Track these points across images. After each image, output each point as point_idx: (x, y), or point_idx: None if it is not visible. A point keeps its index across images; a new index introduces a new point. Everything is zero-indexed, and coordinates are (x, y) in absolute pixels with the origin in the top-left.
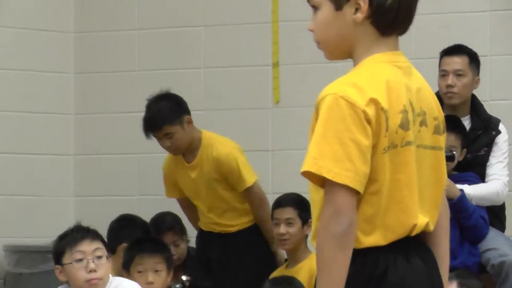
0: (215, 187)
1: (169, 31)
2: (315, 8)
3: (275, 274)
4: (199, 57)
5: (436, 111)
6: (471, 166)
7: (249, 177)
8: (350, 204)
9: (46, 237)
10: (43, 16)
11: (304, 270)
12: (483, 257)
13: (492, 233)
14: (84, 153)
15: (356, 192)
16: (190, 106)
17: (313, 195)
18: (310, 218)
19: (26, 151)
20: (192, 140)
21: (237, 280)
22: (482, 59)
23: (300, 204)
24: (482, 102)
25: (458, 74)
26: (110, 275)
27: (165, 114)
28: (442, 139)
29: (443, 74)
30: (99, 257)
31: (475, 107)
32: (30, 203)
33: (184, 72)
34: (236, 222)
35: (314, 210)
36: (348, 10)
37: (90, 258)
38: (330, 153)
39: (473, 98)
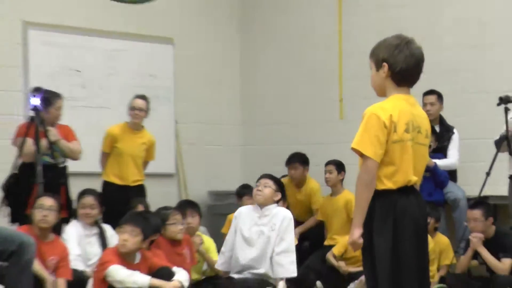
0: None
1: None
2: (371, 68)
3: (323, 201)
4: None
5: (426, 125)
6: (440, 150)
7: None
8: (373, 167)
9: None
10: None
11: (341, 198)
12: (446, 196)
13: (450, 184)
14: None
15: (375, 162)
16: None
17: (359, 161)
18: (343, 170)
19: None
20: None
21: None
22: None
23: (338, 164)
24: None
25: (431, 104)
26: None
27: None
28: (428, 140)
29: (425, 104)
30: None
31: (441, 120)
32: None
33: None
34: None
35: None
36: (381, 71)
37: None
38: (366, 141)
39: (440, 115)
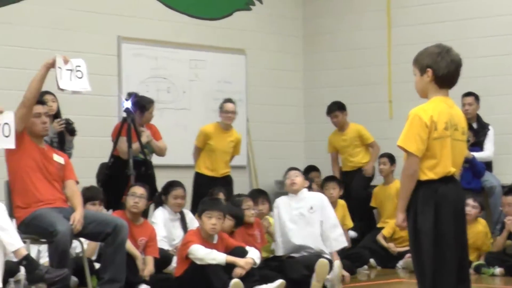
0: None
1: None
2: (415, 74)
3: (377, 189)
4: None
5: (462, 124)
6: (477, 144)
7: None
8: (415, 161)
9: None
10: None
11: (393, 187)
12: (483, 184)
13: (487, 173)
14: None
15: (418, 157)
16: None
17: (404, 156)
18: (395, 162)
19: None
20: None
21: None
22: None
23: (391, 157)
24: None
25: (469, 104)
26: None
27: None
28: (464, 137)
29: (464, 104)
30: None
31: (478, 118)
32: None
33: None
34: None
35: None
36: (425, 76)
37: None
38: (409, 139)
39: (477, 114)
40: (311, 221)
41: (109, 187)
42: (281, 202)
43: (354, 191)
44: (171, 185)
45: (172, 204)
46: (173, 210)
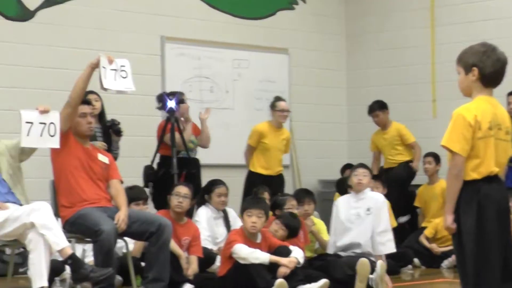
0: None
1: None
2: (459, 73)
3: (421, 189)
4: None
5: (506, 123)
6: None
7: None
8: (461, 161)
9: None
10: None
11: (437, 186)
12: None
13: None
14: None
15: (463, 157)
16: None
17: (448, 156)
18: (440, 161)
19: None
20: None
21: None
22: None
23: (436, 156)
24: None
25: None
26: None
27: None
28: (508, 136)
29: (509, 102)
30: None
31: None
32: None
33: None
34: None
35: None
36: (470, 74)
37: None
38: (454, 138)
39: None
40: (365, 223)
41: (159, 187)
42: (341, 201)
43: (394, 175)
44: (214, 183)
45: (215, 202)
46: (217, 208)
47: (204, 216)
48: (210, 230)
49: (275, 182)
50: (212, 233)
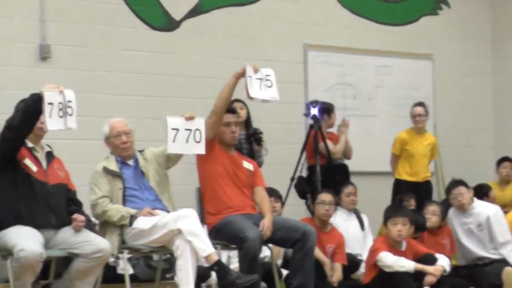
0: None
1: None
2: None
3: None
4: None
5: None
6: None
7: None
8: None
9: None
10: None
11: None
12: None
13: None
14: None
15: None
16: None
17: None
18: None
19: None
20: None
21: None
22: None
23: None
24: None
25: None
26: None
27: None
28: None
29: None
30: None
31: None
32: None
33: None
34: None
35: None
36: None
37: None
38: None
39: None
40: (481, 239)
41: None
42: (452, 213)
43: None
44: (342, 183)
45: (346, 202)
46: (347, 208)
47: (337, 219)
48: (344, 232)
49: (421, 189)
50: (346, 235)
